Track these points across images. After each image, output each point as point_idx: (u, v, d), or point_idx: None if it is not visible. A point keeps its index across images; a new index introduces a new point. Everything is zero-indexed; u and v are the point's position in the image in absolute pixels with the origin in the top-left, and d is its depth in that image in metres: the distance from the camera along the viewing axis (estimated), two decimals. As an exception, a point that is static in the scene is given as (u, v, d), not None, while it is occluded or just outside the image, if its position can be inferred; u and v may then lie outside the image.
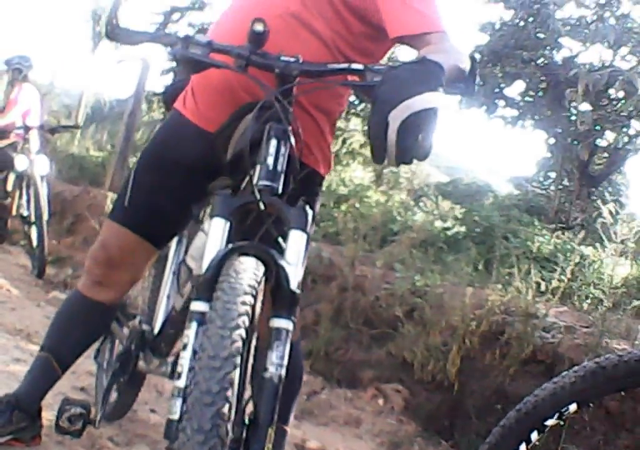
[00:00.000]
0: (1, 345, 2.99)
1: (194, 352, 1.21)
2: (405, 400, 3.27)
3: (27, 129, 5.38)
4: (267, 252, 1.30)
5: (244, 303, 1.16)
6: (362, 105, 9.88)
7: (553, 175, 10.71)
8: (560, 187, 9.88)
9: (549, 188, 11.20)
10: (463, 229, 5.23)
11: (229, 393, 1.09)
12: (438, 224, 5.34)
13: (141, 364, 2.04)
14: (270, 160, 1.42)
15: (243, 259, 1.26)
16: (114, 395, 2.24)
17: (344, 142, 9.83)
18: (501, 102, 8.96)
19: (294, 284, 1.29)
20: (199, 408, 1.07)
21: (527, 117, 8.97)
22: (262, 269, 1.27)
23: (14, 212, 5.38)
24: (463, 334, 3.17)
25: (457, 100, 8.21)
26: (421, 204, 6.71)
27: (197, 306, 1.25)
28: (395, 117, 1.22)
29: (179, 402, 1.20)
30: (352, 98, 9.94)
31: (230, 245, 1.31)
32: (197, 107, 1.82)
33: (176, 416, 1.19)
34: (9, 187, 5.34)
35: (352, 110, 9.97)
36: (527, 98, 8.89)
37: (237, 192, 1.55)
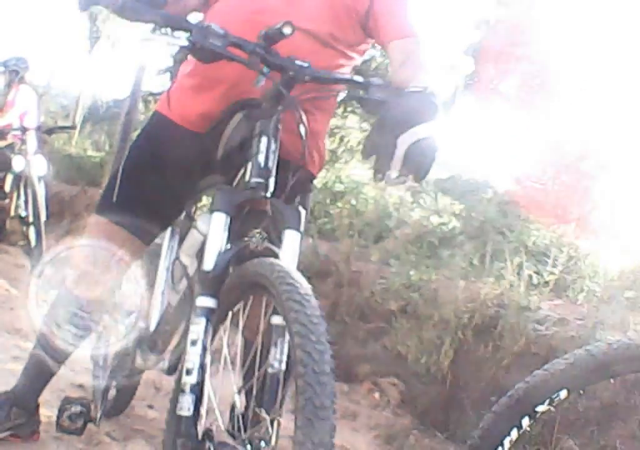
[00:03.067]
0: (0, 344, 3.02)
1: (204, 348, 1.24)
2: (401, 393, 3.30)
3: (24, 130, 5.40)
4: (273, 251, 1.35)
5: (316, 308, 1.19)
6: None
7: (551, 169, 10.69)
8: (558, 181, 9.87)
9: (547, 182, 11.15)
10: (459, 224, 5.24)
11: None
12: (434, 219, 5.36)
13: (138, 360, 2.05)
14: (261, 158, 1.44)
15: (273, 260, 1.29)
16: (112, 393, 2.26)
17: (341, 139, 9.82)
18: (496, 98, 8.97)
19: None
20: (318, 387, 1.09)
21: (523, 112, 8.98)
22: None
23: (12, 213, 5.41)
24: (455, 327, 3.20)
25: (451, 96, 8.22)
26: (421, 200, 6.71)
27: (204, 302, 1.28)
28: (404, 141, 1.35)
29: (191, 398, 1.22)
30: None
31: (237, 243, 1.36)
32: (181, 106, 1.83)
33: (189, 413, 1.21)
34: (7, 188, 5.35)
35: (350, 108, 9.95)
36: (522, 94, 8.91)
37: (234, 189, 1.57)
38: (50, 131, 5.82)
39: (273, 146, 1.47)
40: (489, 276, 3.66)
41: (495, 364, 3.13)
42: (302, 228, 1.44)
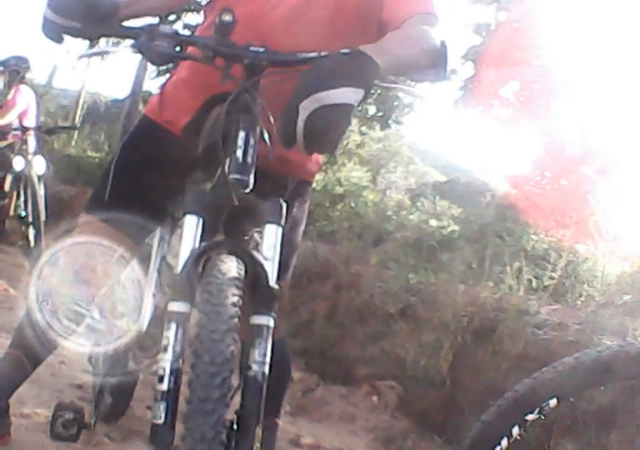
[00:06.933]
0: (-1, 344, 3.01)
1: (175, 354, 1.18)
2: (399, 396, 3.30)
3: (24, 130, 5.42)
4: (243, 249, 1.28)
5: (234, 304, 1.14)
6: (359, 106, 9.86)
7: (550, 173, 10.69)
8: (557, 185, 9.88)
9: (545, 187, 11.17)
10: (457, 227, 5.25)
11: (228, 398, 1.06)
12: (433, 222, 5.37)
13: (130, 363, 2.02)
14: (239, 153, 1.39)
15: (224, 257, 1.23)
16: (108, 398, 2.23)
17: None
18: (496, 102, 8.98)
19: (272, 280, 1.26)
20: (200, 417, 1.04)
21: (522, 116, 8.99)
22: (242, 266, 1.24)
23: (11, 213, 5.42)
24: (454, 330, 3.20)
25: (452, 101, 8.24)
26: (419, 203, 6.72)
27: (175, 307, 1.22)
28: (305, 108, 1.23)
29: (162, 405, 1.15)
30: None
31: (204, 244, 1.28)
32: (164, 108, 1.82)
33: (161, 420, 1.15)
34: (7, 188, 5.37)
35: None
36: (521, 98, 8.92)
37: (212, 187, 1.50)
38: (50, 131, 5.83)
39: (252, 141, 1.40)
40: (488, 280, 3.66)
41: (494, 367, 3.13)
42: (282, 222, 1.35)
